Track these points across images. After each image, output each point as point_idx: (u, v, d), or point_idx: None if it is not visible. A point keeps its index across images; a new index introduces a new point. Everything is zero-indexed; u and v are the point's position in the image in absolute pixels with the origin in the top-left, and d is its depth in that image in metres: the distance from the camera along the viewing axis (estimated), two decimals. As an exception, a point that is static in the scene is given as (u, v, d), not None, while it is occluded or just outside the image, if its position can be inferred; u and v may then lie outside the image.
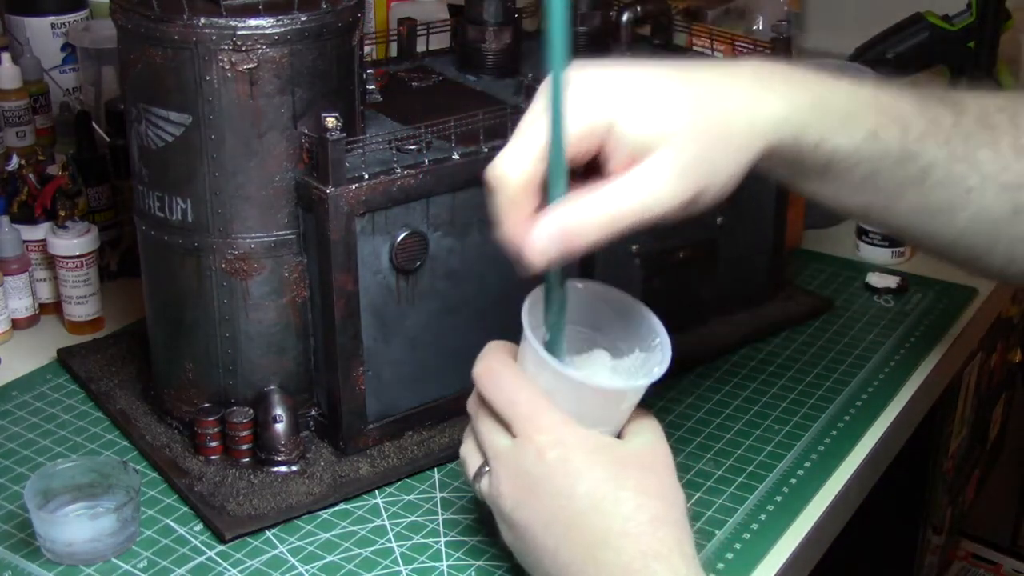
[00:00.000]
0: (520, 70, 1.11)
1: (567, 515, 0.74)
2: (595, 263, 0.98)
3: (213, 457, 0.95)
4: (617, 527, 0.72)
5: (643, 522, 0.72)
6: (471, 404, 0.80)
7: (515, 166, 0.71)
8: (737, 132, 0.72)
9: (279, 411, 0.94)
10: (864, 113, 0.76)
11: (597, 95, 0.70)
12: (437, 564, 0.86)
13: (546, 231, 0.70)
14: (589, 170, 0.72)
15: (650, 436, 0.78)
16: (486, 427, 0.78)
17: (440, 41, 1.20)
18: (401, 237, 0.92)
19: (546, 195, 0.71)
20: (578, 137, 0.70)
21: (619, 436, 0.78)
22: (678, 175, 0.70)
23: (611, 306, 0.80)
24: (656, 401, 1.00)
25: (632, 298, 0.80)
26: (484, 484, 0.79)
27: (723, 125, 0.71)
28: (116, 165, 1.23)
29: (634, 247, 1.05)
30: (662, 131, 0.69)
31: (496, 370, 0.77)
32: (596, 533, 0.73)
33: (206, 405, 0.96)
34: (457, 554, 0.87)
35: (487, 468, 0.78)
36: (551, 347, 0.77)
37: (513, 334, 0.77)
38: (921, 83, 0.79)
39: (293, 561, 0.86)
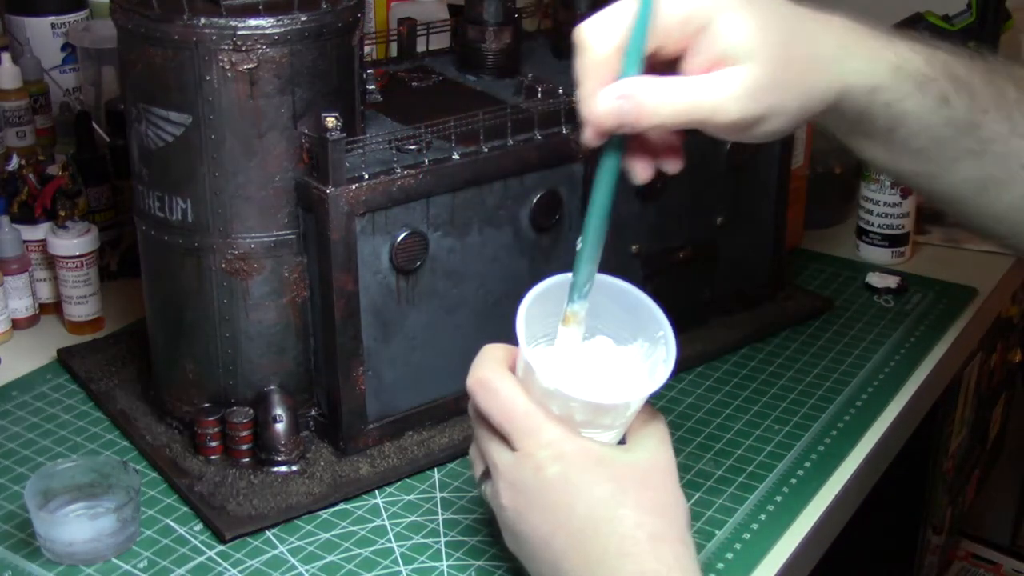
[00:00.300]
0: (520, 70, 1.11)
1: (566, 532, 0.74)
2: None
3: (213, 457, 0.95)
4: (615, 547, 0.72)
5: (641, 540, 0.72)
6: (471, 412, 0.80)
7: (603, 31, 0.70)
8: (819, 75, 0.72)
9: (279, 411, 0.94)
10: (938, 80, 0.76)
11: None
12: (437, 564, 0.86)
13: (616, 93, 0.70)
14: (658, 65, 0.72)
15: (654, 442, 0.77)
16: (485, 438, 0.78)
17: (440, 41, 1.19)
18: (401, 237, 0.92)
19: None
20: (672, 23, 0.70)
21: (624, 438, 0.78)
22: (752, 94, 0.70)
23: (612, 294, 0.80)
24: (657, 401, 0.99)
25: (635, 288, 0.80)
26: (487, 490, 0.79)
27: (808, 63, 0.72)
28: (116, 165, 1.23)
29: (634, 247, 1.05)
30: (752, 48, 0.70)
31: (489, 383, 0.76)
32: (595, 552, 0.73)
33: (206, 405, 0.96)
34: (457, 554, 0.87)
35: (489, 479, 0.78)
36: (579, 272, 0.76)
37: (513, 335, 0.77)
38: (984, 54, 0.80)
39: (293, 561, 0.86)
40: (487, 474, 0.79)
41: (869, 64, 0.74)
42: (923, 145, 0.78)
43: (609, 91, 0.70)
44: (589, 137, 0.72)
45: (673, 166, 0.76)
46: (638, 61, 0.70)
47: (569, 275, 0.77)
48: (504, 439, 0.76)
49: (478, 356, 0.79)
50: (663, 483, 0.76)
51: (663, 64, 0.72)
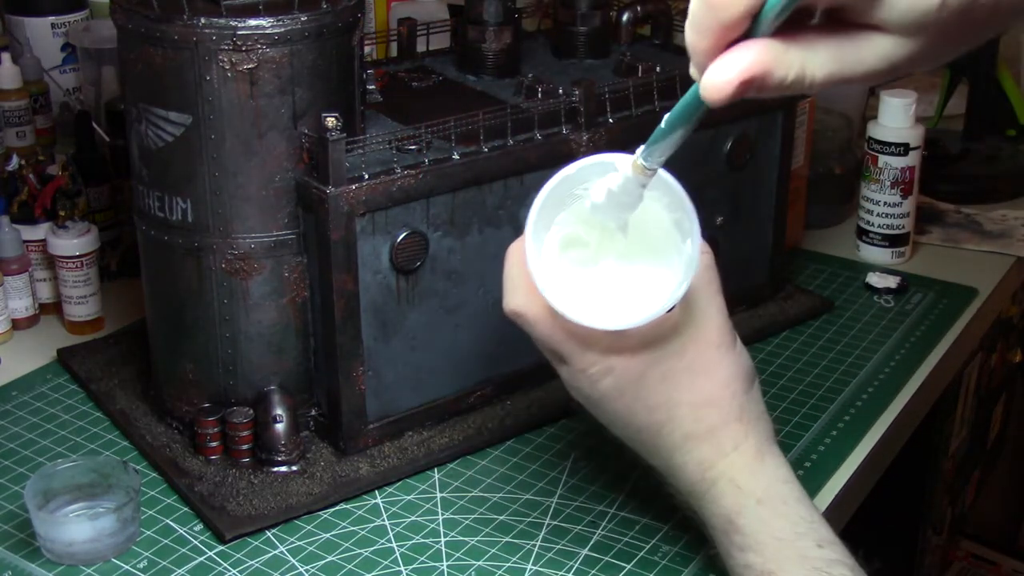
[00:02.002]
0: (520, 70, 1.11)
1: (634, 430, 0.79)
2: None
3: (213, 457, 0.95)
4: (678, 444, 0.78)
5: (701, 435, 0.78)
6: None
7: None
8: (979, 35, 0.62)
9: (279, 411, 0.94)
10: None
11: None
12: (437, 564, 0.86)
13: (738, 69, 0.58)
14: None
15: (702, 303, 0.78)
16: (544, 351, 0.80)
17: (440, 41, 1.19)
18: (401, 237, 0.92)
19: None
20: None
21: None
22: (896, 67, 0.60)
23: (608, 168, 0.72)
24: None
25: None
26: None
27: (971, 29, 0.61)
28: (116, 165, 1.23)
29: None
30: (928, 24, 0.58)
31: (524, 315, 0.78)
32: (664, 448, 0.79)
33: (206, 405, 0.96)
34: (457, 554, 0.87)
35: None
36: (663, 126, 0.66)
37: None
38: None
39: (293, 561, 0.86)
40: None
41: None
42: None
43: (733, 70, 0.58)
44: (697, 76, 0.61)
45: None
46: (777, 17, 0.58)
47: (594, 160, 0.72)
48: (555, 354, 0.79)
49: (506, 272, 0.79)
50: (714, 360, 0.78)
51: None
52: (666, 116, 0.66)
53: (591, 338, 0.76)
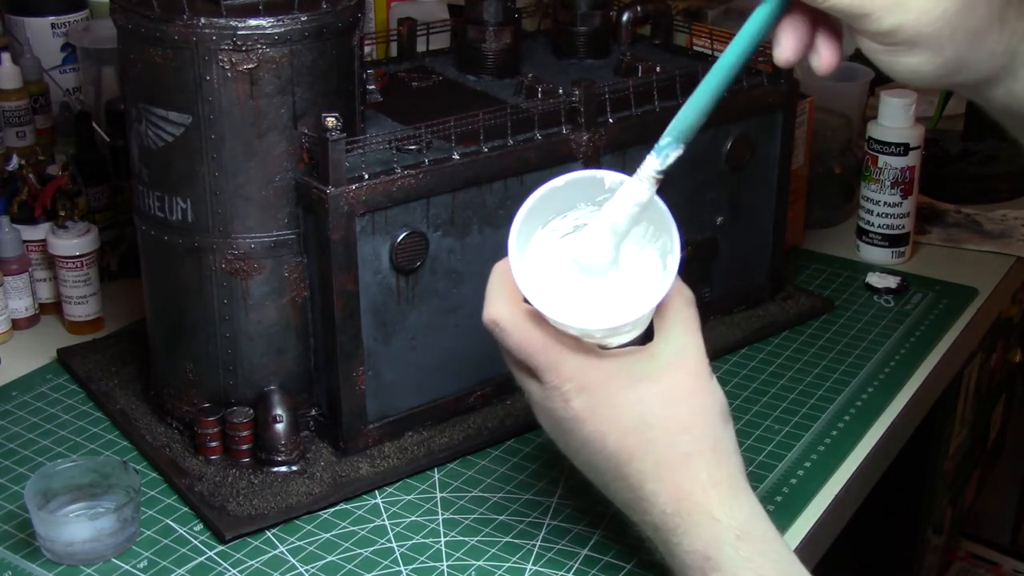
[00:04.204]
0: (520, 70, 1.11)
1: (602, 458, 0.76)
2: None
3: (213, 457, 0.95)
4: (650, 471, 0.75)
5: (674, 461, 0.74)
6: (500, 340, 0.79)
7: None
8: (994, 34, 0.71)
9: (279, 411, 0.94)
10: None
11: None
12: (437, 564, 0.86)
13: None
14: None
15: (679, 331, 0.76)
16: (514, 368, 0.78)
17: (440, 41, 1.20)
18: (401, 237, 0.92)
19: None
20: None
21: (648, 333, 0.77)
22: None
23: (598, 185, 0.75)
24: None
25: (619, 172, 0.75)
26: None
27: (986, 38, 0.70)
28: (116, 165, 1.23)
29: (634, 247, 1.05)
30: (931, 26, 0.68)
31: (503, 323, 0.76)
32: (633, 476, 0.75)
33: (206, 405, 0.96)
34: (457, 554, 0.87)
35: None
36: (682, 113, 0.72)
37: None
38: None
39: (293, 561, 0.86)
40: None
41: None
42: None
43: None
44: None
45: (824, 62, 0.72)
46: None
47: (583, 174, 0.75)
48: (529, 371, 0.77)
49: (489, 285, 0.78)
50: (691, 388, 0.76)
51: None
52: (700, 87, 0.70)
53: (567, 352, 0.75)
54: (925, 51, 0.69)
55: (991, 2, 0.70)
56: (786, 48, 0.71)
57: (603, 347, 0.76)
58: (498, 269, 0.78)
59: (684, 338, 0.76)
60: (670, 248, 0.74)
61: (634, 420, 0.75)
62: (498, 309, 0.76)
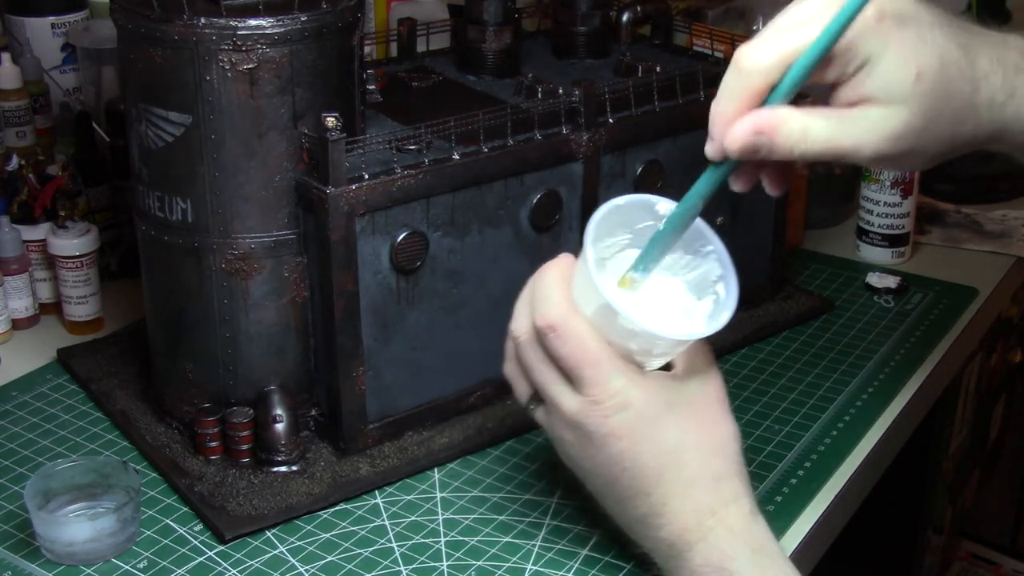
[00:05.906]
0: (520, 70, 1.11)
1: (631, 476, 0.76)
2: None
3: (213, 457, 0.95)
4: (679, 490, 0.76)
5: (705, 482, 0.76)
6: (526, 339, 0.78)
7: (763, 59, 0.69)
8: (972, 124, 0.73)
9: (279, 411, 0.94)
10: None
11: (881, 28, 0.68)
12: (437, 564, 0.86)
13: (754, 126, 0.69)
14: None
15: (703, 365, 0.79)
16: (547, 377, 0.77)
17: (440, 41, 1.20)
18: (401, 237, 0.92)
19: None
20: (834, 53, 0.68)
21: (670, 364, 0.79)
22: (894, 139, 0.70)
23: (648, 209, 0.78)
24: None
25: (671, 201, 0.78)
26: (540, 416, 0.80)
27: (963, 112, 0.72)
28: (116, 165, 1.23)
29: (634, 247, 1.05)
30: (906, 95, 0.69)
31: (562, 328, 0.75)
32: (659, 494, 0.76)
33: (206, 405, 0.96)
34: (457, 554, 0.87)
35: (542, 404, 0.79)
36: (650, 251, 0.76)
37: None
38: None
39: (293, 561, 0.86)
40: (537, 398, 0.80)
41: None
42: None
43: (748, 122, 0.69)
44: (712, 153, 0.71)
45: (775, 188, 0.76)
46: (789, 93, 0.69)
47: (640, 198, 0.78)
48: (567, 378, 0.77)
49: (539, 287, 0.78)
50: (718, 416, 0.79)
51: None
52: (666, 218, 0.76)
53: (616, 370, 0.75)
54: (918, 154, 0.72)
55: (963, 74, 0.71)
56: (742, 183, 0.75)
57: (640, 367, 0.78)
58: (550, 273, 0.78)
59: (707, 368, 0.80)
60: (713, 278, 0.80)
61: (671, 442, 0.76)
62: (557, 314, 0.76)
